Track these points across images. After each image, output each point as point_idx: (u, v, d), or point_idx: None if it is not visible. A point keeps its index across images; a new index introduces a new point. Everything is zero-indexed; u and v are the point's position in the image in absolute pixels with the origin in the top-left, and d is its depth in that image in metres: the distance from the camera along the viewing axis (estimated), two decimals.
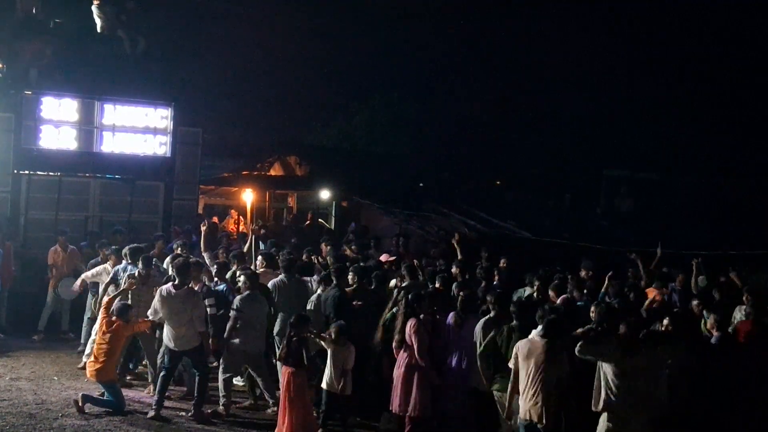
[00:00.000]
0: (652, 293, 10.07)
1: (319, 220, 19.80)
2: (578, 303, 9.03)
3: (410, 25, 29.75)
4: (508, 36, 29.73)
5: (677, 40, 28.90)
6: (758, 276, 13.31)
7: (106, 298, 9.48)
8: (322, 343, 8.31)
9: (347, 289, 9.34)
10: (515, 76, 29.11)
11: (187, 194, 15.90)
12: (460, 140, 27.80)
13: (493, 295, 8.20)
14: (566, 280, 9.86)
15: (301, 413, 7.84)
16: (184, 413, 8.93)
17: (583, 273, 10.79)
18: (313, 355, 8.49)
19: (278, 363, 8.74)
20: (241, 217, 19.15)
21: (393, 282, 10.00)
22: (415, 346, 7.86)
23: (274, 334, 9.54)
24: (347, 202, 20.36)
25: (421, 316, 8.20)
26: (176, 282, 8.93)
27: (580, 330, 7.39)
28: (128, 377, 10.25)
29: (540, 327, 6.90)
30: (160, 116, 15.26)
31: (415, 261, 10.69)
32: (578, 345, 6.65)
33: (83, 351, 11.08)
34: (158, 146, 15.30)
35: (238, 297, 9.18)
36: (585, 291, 9.54)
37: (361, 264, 10.52)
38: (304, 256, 11.54)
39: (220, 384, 9.13)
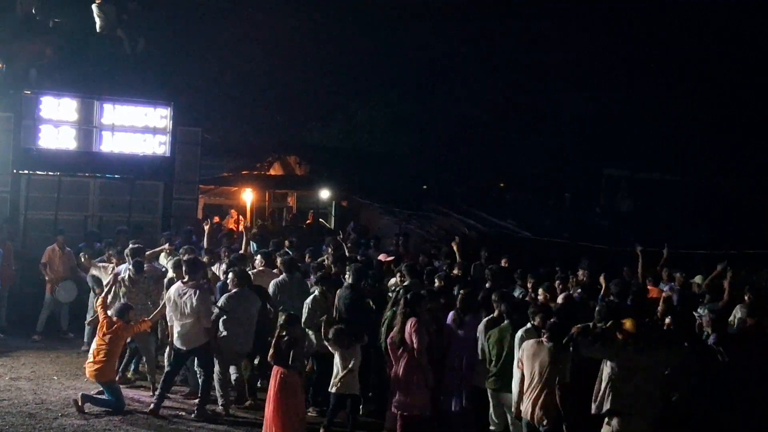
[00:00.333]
0: (654, 292, 10.05)
1: (319, 219, 19.81)
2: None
3: (410, 25, 29.74)
4: (508, 36, 29.71)
5: (677, 40, 28.91)
6: (758, 276, 13.32)
7: (99, 300, 9.49)
8: (328, 345, 8.31)
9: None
10: (515, 76, 29.11)
11: (186, 194, 15.89)
12: (460, 140, 27.80)
13: (499, 295, 8.22)
14: (565, 281, 9.84)
15: (289, 413, 7.76)
16: (184, 413, 8.92)
17: (580, 273, 10.78)
18: (303, 355, 8.46)
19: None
20: (241, 216, 19.15)
21: (393, 281, 9.99)
22: (416, 346, 7.86)
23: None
24: (347, 202, 20.37)
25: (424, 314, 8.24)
26: (185, 278, 8.96)
27: (579, 325, 7.41)
28: (132, 377, 10.27)
29: (546, 330, 6.91)
30: (160, 116, 15.24)
31: (422, 257, 10.66)
32: (585, 343, 6.64)
33: (86, 350, 11.10)
34: (158, 146, 15.29)
35: (225, 295, 9.17)
36: (579, 291, 9.51)
37: (360, 264, 10.50)
38: (306, 258, 11.54)
39: (216, 384, 9.14)
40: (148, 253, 10.66)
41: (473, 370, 8.11)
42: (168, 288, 9.41)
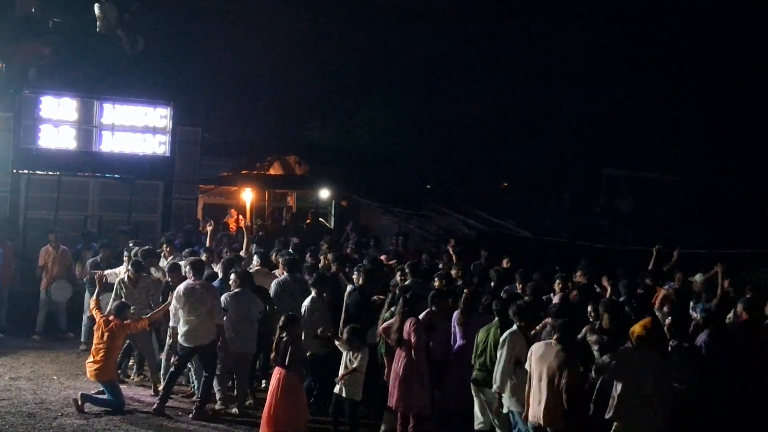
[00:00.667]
0: (661, 293, 10.06)
1: (319, 219, 19.80)
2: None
3: (410, 25, 29.72)
4: (508, 36, 29.69)
5: (677, 40, 28.89)
6: (757, 275, 13.31)
7: (92, 301, 9.51)
8: (338, 344, 8.30)
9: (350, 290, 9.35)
10: (515, 76, 29.08)
11: (186, 193, 15.90)
12: (460, 140, 27.77)
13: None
14: (566, 280, 9.81)
15: (289, 414, 7.74)
16: (183, 413, 8.91)
17: (578, 275, 10.78)
18: (304, 356, 8.46)
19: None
20: (240, 216, 19.15)
21: (393, 280, 10.00)
22: (414, 345, 7.86)
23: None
24: (347, 202, 20.36)
25: (427, 312, 8.29)
26: (192, 277, 8.98)
27: (587, 326, 7.44)
28: (136, 378, 10.26)
29: (554, 332, 6.91)
30: (160, 115, 15.25)
31: (425, 256, 10.67)
32: (595, 365, 6.65)
33: (85, 350, 11.20)
34: (157, 145, 15.29)
35: (226, 294, 9.17)
36: (575, 292, 9.49)
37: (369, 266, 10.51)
38: (307, 257, 11.54)
39: (216, 383, 9.15)
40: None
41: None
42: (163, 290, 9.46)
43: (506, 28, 29.62)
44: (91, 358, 9.05)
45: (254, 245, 12.21)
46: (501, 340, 7.45)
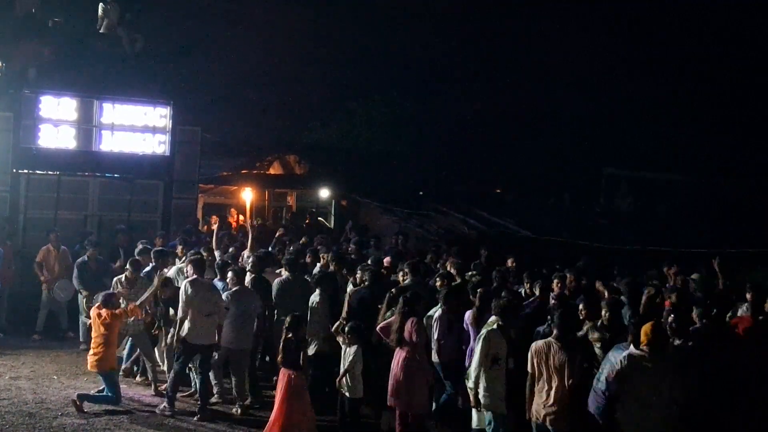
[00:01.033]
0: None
1: (319, 218, 19.80)
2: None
3: (410, 25, 29.74)
4: (508, 36, 29.71)
5: (677, 40, 28.91)
6: (754, 275, 13.28)
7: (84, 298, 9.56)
8: (339, 340, 8.31)
9: (355, 288, 9.36)
10: (515, 76, 29.10)
11: (186, 193, 15.89)
12: (460, 139, 27.80)
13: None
14: (563, 279, 9.79)
15: (296, 416, 7.74)
16: (183, 413, 8.91)
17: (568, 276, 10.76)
18: (309, 357, 8.46)
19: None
20: (240, 215, 19.14)
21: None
22: (416, 345, 7.86)
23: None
24: (347, 201, 20.36)
25: (440, 312, 8.37)
26: (194, 276, 9.00)
27: (588, 324, 7.44)
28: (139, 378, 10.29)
29: (554, 329, 6.91)
30: (159, 115, 15.24)
31: (430, 256, 10.66)
32: (609, 385, 6.63)
33: (85, 349, 11.23)
34: (157, 145, 15.28)
35: (226, 293, 9.18)
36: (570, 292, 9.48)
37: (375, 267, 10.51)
38: (307, 257, 11.54)
39: (213, 380, 9.16)
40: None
41: None
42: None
43: (506, 28, 29.64)
44: (91, 351, 9.11)
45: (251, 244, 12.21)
46: (479, 336, 7.46)
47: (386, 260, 11.32)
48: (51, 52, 15.12)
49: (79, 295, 11.73)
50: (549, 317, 7.54)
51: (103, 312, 9.04)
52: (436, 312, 8.60)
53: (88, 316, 10.40)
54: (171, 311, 9.49)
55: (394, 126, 29.51)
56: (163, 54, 17.00)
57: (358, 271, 9.61)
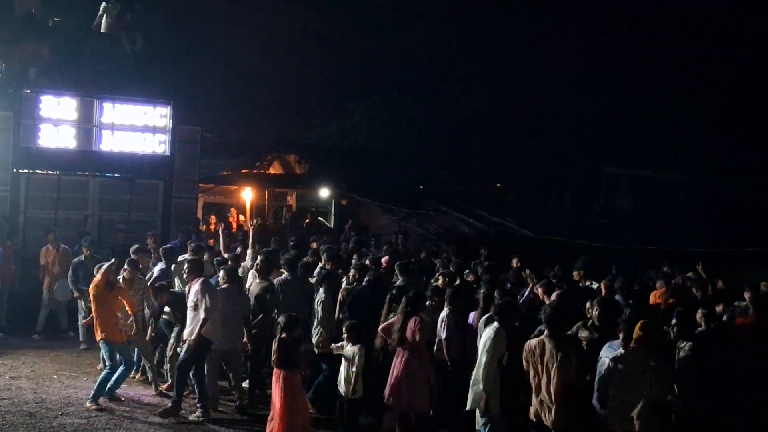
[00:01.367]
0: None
1: (319, 218, 19.81)
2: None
3: (410, 25, 29.77)
4: (508, 36, 29.74)
5: (677, 40, 28.93)
6: (754, 275, 13.29)
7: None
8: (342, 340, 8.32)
9: (348, 287, 9.36)
10: (515, 76, 29.14)
11: (186, 193, 15.87)
12: (460, 139, 27.82)
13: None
14: (562, 279, 9.81)
15: (293, 416, 7.72)
16: (183, 414, 8.92)
17: (575, 274, 10.78)
18: (303, 356, 8.45)
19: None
20: (240, 215, 19.15)
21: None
22: (418, 345, 7.85)
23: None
24: (346, 201, 20.37)
25: (447, 311, 8.36)
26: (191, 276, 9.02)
27: (580, 323, 7.45)
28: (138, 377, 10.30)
29: (546, 329, 6.91)
30: (159, 115, 15.23)
31: (424, 254, 10.61)
32: (596, 394, 6.69)
33: (85, 349, 11.42)
34: (157, 145, 15.27)
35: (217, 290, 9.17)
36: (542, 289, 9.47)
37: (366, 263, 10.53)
38: (308, 257, 11.54)
39: (208, 381, 9.16)
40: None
41: None
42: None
43: (506, 28, 29.69)
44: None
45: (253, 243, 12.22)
46: (487, 339, 7.43)
47: (384, 260, 11.33)
48: (51, 52, 15.09)
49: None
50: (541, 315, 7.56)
51: (96, 283, 9.22)
52: (443, 311, 8.59)
53: (86, 317, 10.44)
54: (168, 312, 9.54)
55: (394, 125, 29.54)
56: (163, 54, 16.98)
57: (352, 270, 9.62)
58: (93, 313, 9.28)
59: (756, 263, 14.04)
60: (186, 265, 9.23)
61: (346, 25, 29.59)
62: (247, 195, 18.79)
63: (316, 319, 9.20)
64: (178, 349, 9.20)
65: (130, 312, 9.34)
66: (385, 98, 29.88)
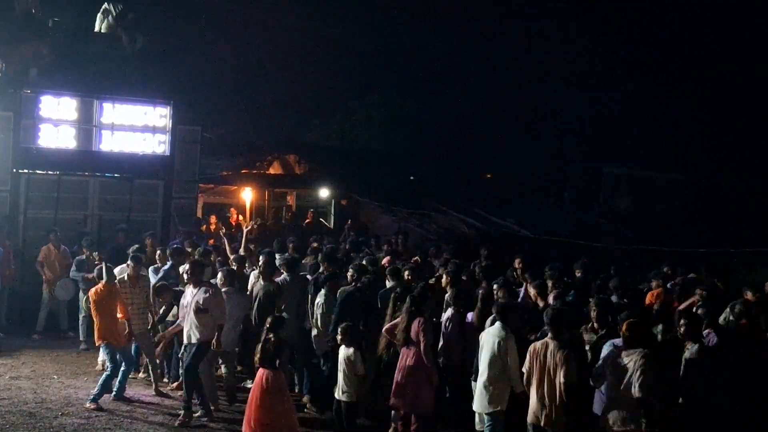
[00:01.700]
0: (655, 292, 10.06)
1: (319, 218, 19.80)
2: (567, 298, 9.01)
3: (410, 25, 29.79)
4: (507, 36, 29.76)
5: (677, 40, 28.95)
6: (754, 275, 13.30)
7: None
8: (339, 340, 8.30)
9: (346, 288, 9.35)
10: (515, 76, 29.16)
11: (186, 193, 15.87)
12: (460, 139, 27.83)
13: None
14: (560, 279, 9.80)
15: (276, 414, 7.67)
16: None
17: (577, 273, 10.77)
18: (288, 357, 8.44)
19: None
20: (240, 215, 19.15)
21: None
22: (423, 345, 7.83)
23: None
24: (346, 201, 20.37)
25: (450, 313, 8.38)
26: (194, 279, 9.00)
27: (584, 326, 7.45)
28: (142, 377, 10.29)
29: (548, 329, 6.92)
30: (159, 115, 15.23)
31: (416, 258, 10.62)
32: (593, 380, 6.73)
33: (85, 349, 11.43)
34: (157, 145, 15.28)
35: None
36: (572, 291, 9.47)
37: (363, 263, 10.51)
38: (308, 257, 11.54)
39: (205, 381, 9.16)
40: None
41: None
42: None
43: (506, 28, 29.70)
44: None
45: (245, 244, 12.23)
46: (502, 342, 7.40)
47: (385, 260, 11.32)
48: (51, 52, 15.08)
49: (81, 293, 11.70)
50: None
51: (97, 286, 9.27)
52: (447, 312, 8.57)
53: (87, 315, 10.45)
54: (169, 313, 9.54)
55: (394, 125, 29.54)
56: (162, 54, 16.96)
57: (350, 270, 9.61)
58: (93, 317, 9.24)
59: (756, 263, 14.04)
60: (188, 268, 9.22)
61: (346, 25, 29.61)
62: (247, 195, 18.79)
63: (315, 320, 9.18)
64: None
65: (122, 318, 9.33)
66: (385, 98, 29.89)
